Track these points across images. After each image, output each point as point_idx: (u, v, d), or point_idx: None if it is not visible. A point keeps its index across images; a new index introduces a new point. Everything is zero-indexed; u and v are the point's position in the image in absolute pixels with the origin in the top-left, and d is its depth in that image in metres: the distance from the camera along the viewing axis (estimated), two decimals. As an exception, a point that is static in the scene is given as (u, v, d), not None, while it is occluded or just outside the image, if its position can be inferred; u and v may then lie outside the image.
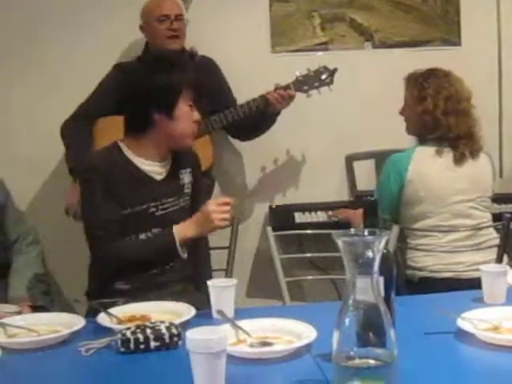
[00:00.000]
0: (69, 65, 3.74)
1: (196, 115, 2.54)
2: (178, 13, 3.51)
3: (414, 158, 3.02)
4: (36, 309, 2.44)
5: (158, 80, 2.49)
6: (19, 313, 2.29)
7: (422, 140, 3.08)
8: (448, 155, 3.00)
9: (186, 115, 2.51)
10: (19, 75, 3.77)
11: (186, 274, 2.67)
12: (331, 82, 3.48)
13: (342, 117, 3.90)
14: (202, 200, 2.65)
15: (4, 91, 3.76)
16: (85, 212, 2.56)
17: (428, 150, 3.03)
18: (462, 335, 1.71)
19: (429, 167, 3.01)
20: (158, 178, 2.56)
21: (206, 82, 3.40)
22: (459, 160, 3.00)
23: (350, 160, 3.99)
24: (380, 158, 3.73)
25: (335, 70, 3.49)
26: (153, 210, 2.54)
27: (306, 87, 3.45)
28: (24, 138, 3.76)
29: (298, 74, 3.46)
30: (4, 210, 2.67)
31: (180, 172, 2.63)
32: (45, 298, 2.58)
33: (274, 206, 3.90)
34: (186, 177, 2.66)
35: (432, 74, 3.08)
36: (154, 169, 2.55)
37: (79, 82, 3.54)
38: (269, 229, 3.46)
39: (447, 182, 3.00)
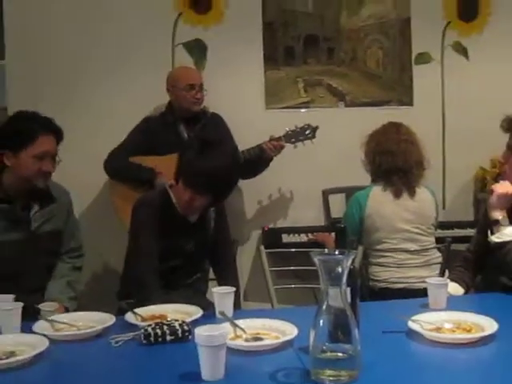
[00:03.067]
0: (110, 116, 3.76)
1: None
2: (201, 82, 3.50)
3: (371, 196, 3.03)
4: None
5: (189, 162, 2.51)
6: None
7: (372, 178, 3.10)
8: (390, 191, 3.01)
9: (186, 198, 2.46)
10: (74, 120, 3.79)
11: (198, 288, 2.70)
12: (313, 137, 3.50)
13: (319, 160, 3.91)
14: (222, 229, 2.74)
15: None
16: (133, 239, 2.56)
17: (378, 188, 3.04)
18: (412, 334, 1.71)
19: (382, 203, 3.01)
20: (192, 220, 2.58)
21: (215, 133, 3.45)
22: (397, 194, 3.00)
23: (326, 193, 4.00)
24: (349, 192, 3.73)
25: (317, 127, 3.52)
26: (183, 244, 2.58)
27: (293, 140, 3.47)
28: (76, 169, 3.77)
29: (287, 129, 3.48)
30: (66, 222, 2.62)
31: (207, 212, 2.64)
32: (72, 303, 2.52)
33: (265, 229, 3.89)
34: (211, 214, 2.67)
35: (378, 128, 3.12)
36: (189, 215, 2.57)
37: (117, 129, 3.55)
38: (261, 247, 3.44)
39: (396, 214, 3.00)
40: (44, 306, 2.14)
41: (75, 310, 2.33)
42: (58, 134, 2.49)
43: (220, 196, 2.53)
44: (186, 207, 2.51)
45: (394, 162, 2.99)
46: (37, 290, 2.45)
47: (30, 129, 2.39)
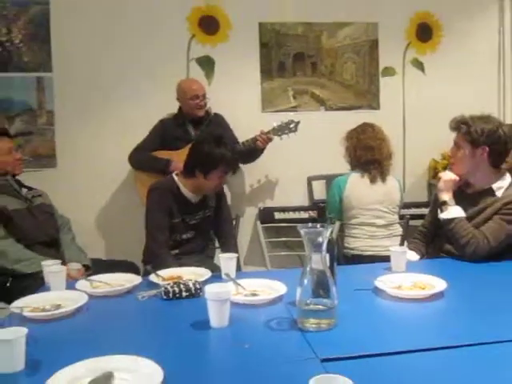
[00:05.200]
0: (134, 118, 3.73)
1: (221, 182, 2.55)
2: (204, 93, 3.43)
3: (349, 180, 3.02)
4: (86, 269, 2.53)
5: (210, 152, 2.44)
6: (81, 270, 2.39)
7: (352, 167, 3.10)
8: (367, 177, 3.01)
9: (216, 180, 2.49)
10: (108, 123, 3.78)
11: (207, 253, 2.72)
12: (296, 130, 3.46)
13: (305, 153, 3.90)
14: (223, 209, 2.74)
15: (92, 133, 3.78)
16: (147, 217, 2.53)
17: (356, 175, 3.03)
18: (378, 291, 1.71)
19: (358, 186, 3.00)
20: (194, 201, 2.57)
21: (218, 129, 3.43)
22: (373, 180, 3.00)
23: (310, 180, 4.00)
24: (328, 178, 3.74)
25: (299, 121, 3.47)
26: (188, 220, 2.57)
27: (279, 133, 3.44)
28: (103, 161, 3.76)
29: (274, 124, 3.45)
30: (53, 207, 2.79)
31: (208, 195, 2.63)
32: (87, 259, 2.64)
33: (261, 208, 3.89)
34: (211, 197, 2.66)
35: (356, 127, 3.10)
36: (193, 196, 2.56)
37: (141, 128, 3.52)
38: (258, 222, 3.47)
39: (369, 196, 3.00)
40: (72, 265, 2.31)
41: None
42: None
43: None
44: (214, 188, 2.54)
45: (372, 155, 2.98)
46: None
47: None
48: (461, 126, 2.19)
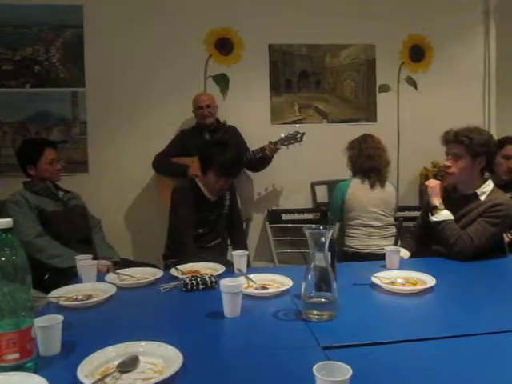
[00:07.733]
0: (157, 128, 3.75)
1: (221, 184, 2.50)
2: (208, 103, 3.46)
3: (350, 185, 3.01)
4: (115, 264, 2.52)
5: (217, 155, 2.45)
6: (108, 266, 2.37)
7: (353, 173, 3.09)
8: (367, 183, 3.00)
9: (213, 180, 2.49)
10: (134, 132, 3.80)
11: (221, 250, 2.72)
12: (301, 140, 3.44)
13: (309, 161, 3.89)
14: (234, 209, 2.74)
15: (122, 140, 3.80)
16: (173, 213, 2.57)
17: (357, 181, 3.02)
18: (374, 286, 1.71)
19: (358, 191, 3.00)
20: (213, 199, 2.59)
21: (233, 140, 3.44)
22: (372, 185, 2.98)
23: (313, 185, 3.99)
24: (330, 184, 3.75)
25: (304, 133, 3.45)
26: (207, 216, 2.59)
27: (286, 143, 3.42)
28: (129, 167, 3.78)
29: (282, 135, 3.44)
30: (86, 208, 2.80)
31: (224, 194, 2.66)
32: (117, 255, 2.67)
33: (270, 210, 3.88)
34: (227, 196, 2.69)
35: (358, 138, 3.09)
36: (211, 195, 2.58)
37: (163, 138, 3.54)
38: (267, 223, 3.46)
39: (368, 200, 2.99)
40: (101, 262, 2.29)
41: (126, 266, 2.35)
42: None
43: (237, 175, 2.61)
44: (219, 189, 2.54)
45: (372, 163, 2.97)
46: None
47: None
48: (462, 138, 2.15)
